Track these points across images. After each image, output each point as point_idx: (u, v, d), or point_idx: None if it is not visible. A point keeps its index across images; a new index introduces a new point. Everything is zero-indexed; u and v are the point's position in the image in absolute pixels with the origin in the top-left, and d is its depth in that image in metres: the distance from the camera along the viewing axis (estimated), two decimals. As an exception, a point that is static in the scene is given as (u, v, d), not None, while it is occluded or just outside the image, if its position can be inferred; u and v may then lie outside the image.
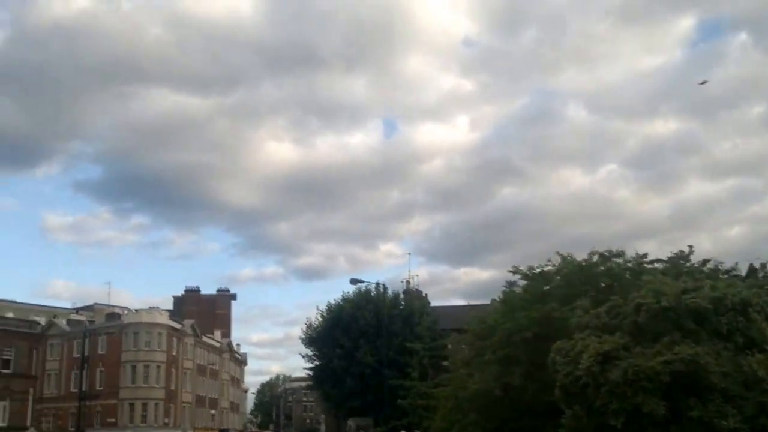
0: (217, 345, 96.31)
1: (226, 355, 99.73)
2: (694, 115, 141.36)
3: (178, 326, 79.45)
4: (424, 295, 56.47)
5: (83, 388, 68.16)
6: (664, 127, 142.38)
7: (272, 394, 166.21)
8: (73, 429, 70.05)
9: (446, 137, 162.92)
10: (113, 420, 72.39)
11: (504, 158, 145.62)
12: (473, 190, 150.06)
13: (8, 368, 50.99)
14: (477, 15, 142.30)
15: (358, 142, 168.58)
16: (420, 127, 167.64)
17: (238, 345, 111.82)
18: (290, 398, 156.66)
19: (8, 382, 50.54)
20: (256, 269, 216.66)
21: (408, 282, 56.07)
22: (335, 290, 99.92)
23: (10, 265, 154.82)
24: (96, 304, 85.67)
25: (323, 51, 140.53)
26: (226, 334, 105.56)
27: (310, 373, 56.27)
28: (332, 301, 53.01)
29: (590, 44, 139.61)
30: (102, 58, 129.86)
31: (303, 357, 54.40)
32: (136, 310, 76.10)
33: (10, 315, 60.23)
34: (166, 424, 75.16)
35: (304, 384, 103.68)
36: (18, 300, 79.77)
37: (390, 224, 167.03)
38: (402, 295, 52.84)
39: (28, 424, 53.19)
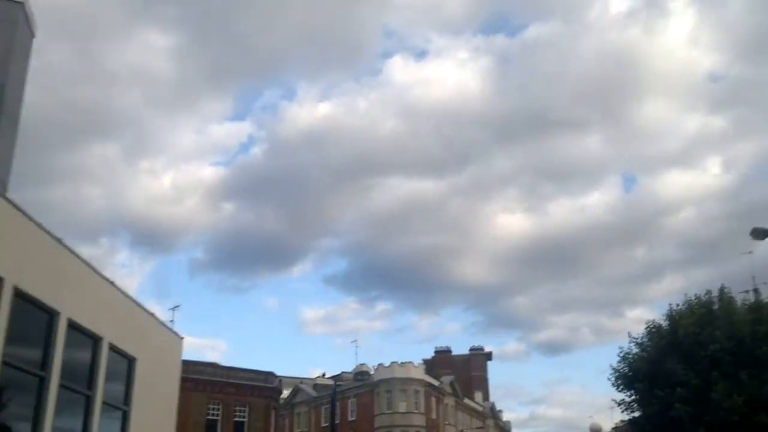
0: (480, 408, 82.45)
1: (490, 422, 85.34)
2: None
3: (436, 383, 66.88)
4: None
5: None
6: None
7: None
8: None
9: (695, 183, 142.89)
10: (372, 500, 60.62)
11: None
12: (733, 239, 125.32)
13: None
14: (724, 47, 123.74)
15: (596, 202, 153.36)
16: (664, 176, 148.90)
17: (500, 411, 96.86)
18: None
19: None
20: (497, 347, 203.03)
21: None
22: (580, 364, 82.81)
23: (277, 359, 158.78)
24: (343, 372, 76.12)
25: (553, 114, 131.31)
26: (486, 396, 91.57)
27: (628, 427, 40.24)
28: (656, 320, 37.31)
29: None
30: (345, 157, 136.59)
31: (618, 404, 38.86)
32: (389, 365, 64.18)
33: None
34: (433, 505, 61.86)
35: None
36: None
37: (637, 287, 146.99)
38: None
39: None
